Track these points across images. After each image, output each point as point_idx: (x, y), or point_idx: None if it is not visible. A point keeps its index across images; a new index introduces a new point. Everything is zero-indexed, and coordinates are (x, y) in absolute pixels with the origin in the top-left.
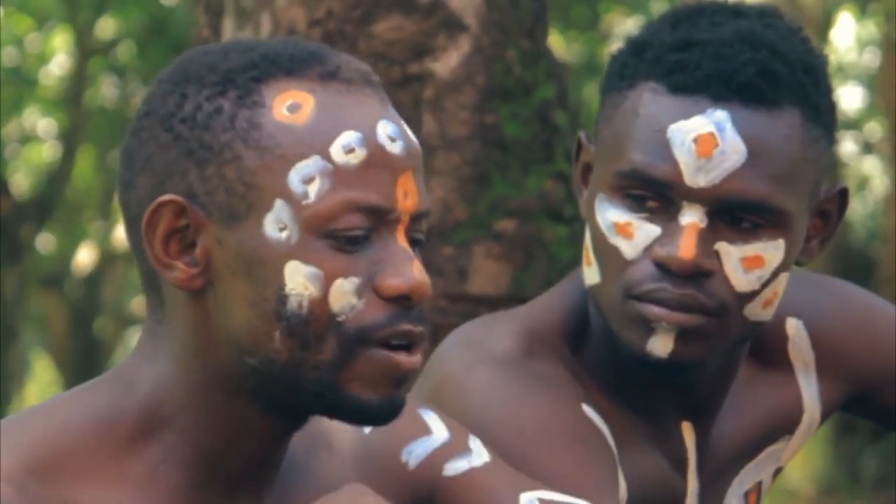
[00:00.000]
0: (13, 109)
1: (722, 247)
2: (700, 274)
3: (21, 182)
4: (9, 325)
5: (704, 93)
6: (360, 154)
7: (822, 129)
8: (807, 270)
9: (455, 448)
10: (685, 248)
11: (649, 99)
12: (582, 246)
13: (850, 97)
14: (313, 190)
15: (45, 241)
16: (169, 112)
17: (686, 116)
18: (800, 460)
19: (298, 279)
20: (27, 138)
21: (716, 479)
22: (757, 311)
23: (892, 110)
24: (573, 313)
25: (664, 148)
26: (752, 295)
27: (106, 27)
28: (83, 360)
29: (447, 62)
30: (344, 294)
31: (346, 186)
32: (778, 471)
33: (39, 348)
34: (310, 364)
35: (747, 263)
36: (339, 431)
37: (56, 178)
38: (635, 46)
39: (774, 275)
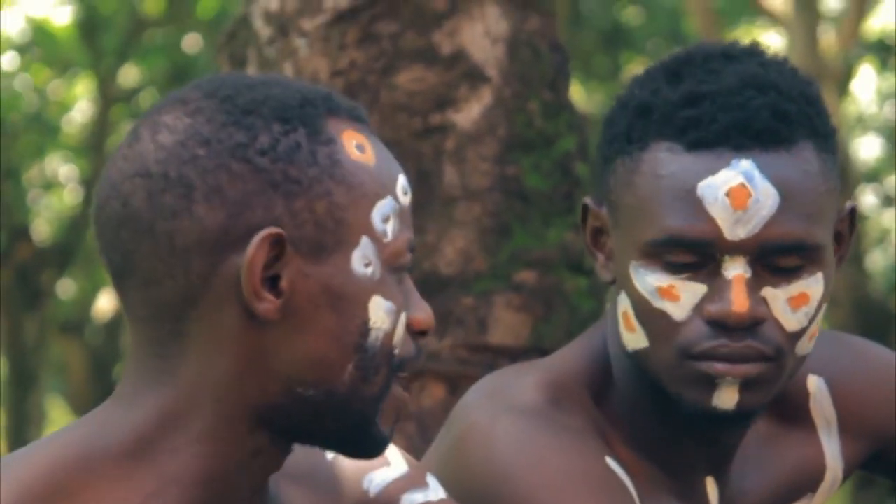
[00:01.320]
0: (35, 156)
1: (768, 292)
2: (755, 323)
3: (42, 228)
4: (29, 372)
5: (724, 145)
6: (409, 195)
7: (831, 155)
8: (827, 325)
9: (413, 481)
10: (738, 303)
11: (668, 159)
12: (602, 297)
13: (869, 149)
14: (390, 229)
15: (65, 288)
16: (238, 143)
17: (713, 172)
18: None
19: (380, 314)
20: (49, 184)
21: None
22: (805, 346)
23: None
24: (596, 365)
25: (697, 207)
26: (802, 332)
27: (128, 75)
28: None
29: (469, 113)
30: (402, 328)
31: (406, 226)
32: None
33: (58, 394)
34: (360, 396)
35: (794, 303)
36: (296, 456)
37: (77, 225)
38: (638, 108)
39: (819, 308)
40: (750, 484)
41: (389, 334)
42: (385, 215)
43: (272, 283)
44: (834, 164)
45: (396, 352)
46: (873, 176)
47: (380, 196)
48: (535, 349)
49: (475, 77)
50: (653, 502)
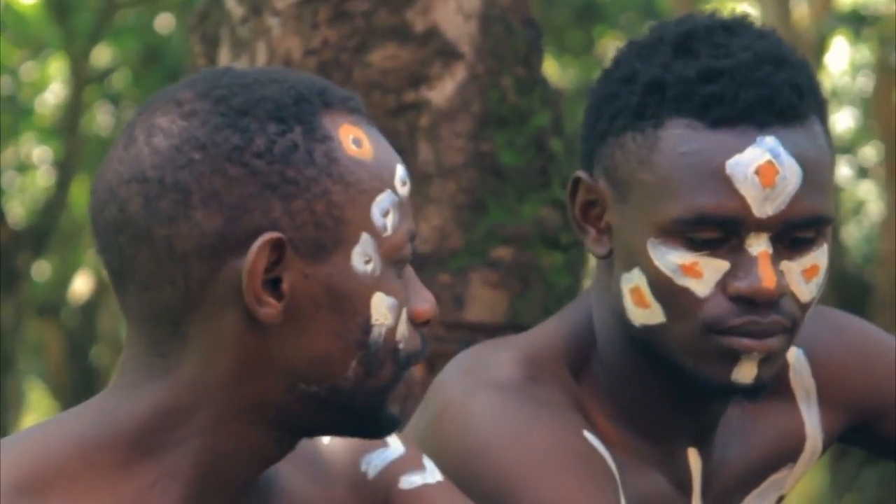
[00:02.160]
0: (9, 138)
1: (785, 265)
2: (780, 298)
3: (17, 211)
4: (5, 354)
5: (748, 122)
6: (408, 185)
7: (827, 127)
8: None
9: (410, 463)
10: (768, 279)
11: (690, 136)
12: (578, 273)
13: (844, 121)
14: (390, 223)
15: (41, 270)
16: (234, 146)
17: (740, 150)
18: (798, 485)
19: (382, 310)
20: (23, 167)
21: None
22: (809, 315)
23: (887, 134)
24: (576, 340)
25: (727, 185)
26: (811, 302)
27: (101, 56)
28: (80, 388)
29: (442, 90)
30: (405, 322)
31: (406, 217)
32: (780, 499)
33: (36, 377)
34: (366, 389)
35: (807, 275)
36: None
37: (52, 207)
38: (650, 84)
39: (825, 276)
40: (732, 455)
41: (392, 329)
42: (384, 210)
43: (273, 285)
44: (829, 134)
45: (401, 346)
46: (848, 148)
47: (378, 191)
48: (512, 326)
49: (448, 54)
50: (634, 474)
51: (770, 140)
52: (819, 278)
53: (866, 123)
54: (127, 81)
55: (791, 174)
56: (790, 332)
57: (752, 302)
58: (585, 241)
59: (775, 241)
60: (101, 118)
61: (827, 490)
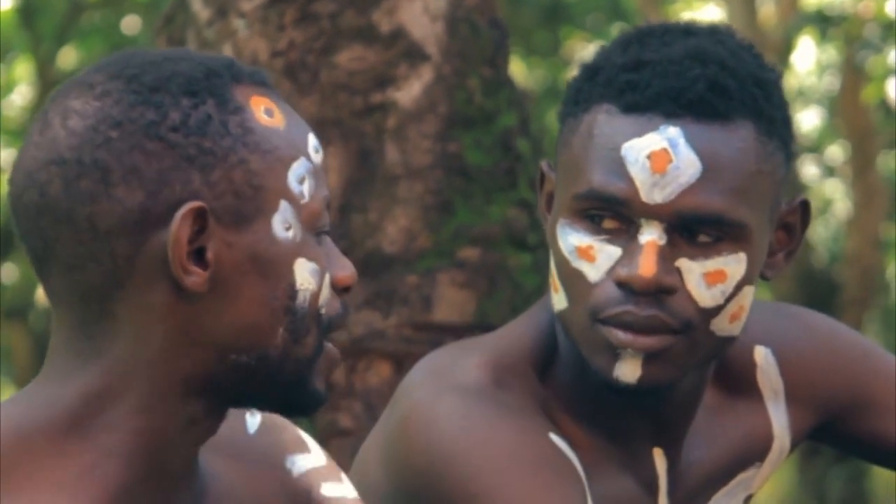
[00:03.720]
0: None
1: (683, 263)
2: (662, 291)
3: None
4: None
5: (656, 110)
6: (321, 153)
7: (777, 141)
8: (772, 296)
9: (330, 474)
10: (645, 266)
11: (603, 120)
12: (547, 273)
13: (810, 120)
14: (306, 189)
15: (8, 273)
16: (150, 121)
17: (639, 134)
18: (767, 483)
19: (305, 275)
20: None
21: None
22: (724, 326)
23: (853, 133)
24: (541, 341)
25: (619, 166)
26: (716, 310)
27: (67, 57)
28: None
29: (409, 91)
30: (326, 287)
31: (321, 184)
32: (748, 498)
33: (5, 379)
34: (294, 357)
35: (710, 278)
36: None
37: None
38: (588, 71)
39: (738, 288)
40: (698, 455)
41: (316, 294)
42: (300, 176)
43: (198, 255)
44: (780, 150)
45: (323, 311)
46: (814, 147)
47: (293, 158)
48: (480, 326)
49: (415, 55)
50: (601, 475)
51: (672, 130)
52: (727, 286)
53: (833, 123)
54: None
55: (687, 166)
56: (681, 333)
57: (632, 291)
58: (546, 231)
59: (672, 233)
60: None
61: (795, 488)
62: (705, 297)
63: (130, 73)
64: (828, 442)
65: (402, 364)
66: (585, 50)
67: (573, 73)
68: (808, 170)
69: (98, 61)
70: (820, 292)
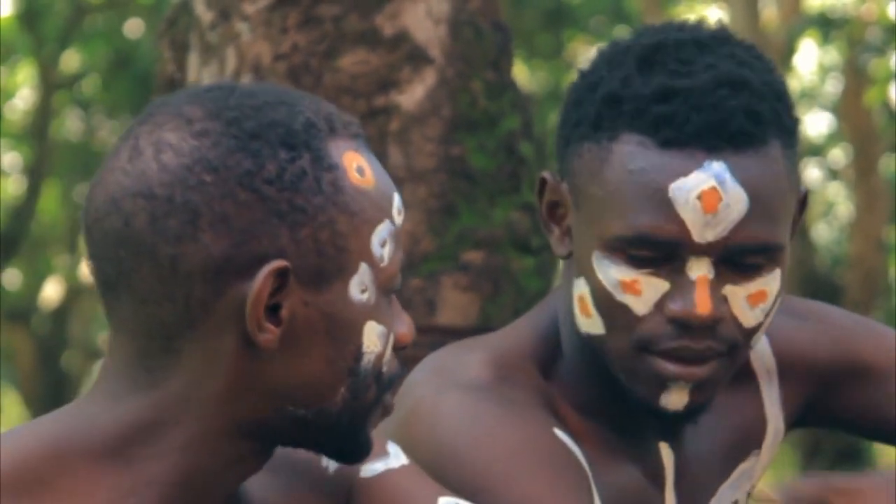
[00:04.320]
0: None
1: (728, 290)
2: (715, 323)
3: None
4: None
5: (697, 146)
6: (403, 214)
7: (794, 149)
8: None
9: (373, 452)
10: (702, 304)
11: (639, 154)
12: (551, 276)
13: (813, 124)
14: (387, 253)
15: (10, 277)
16: (246, 171)
17: (685, 173)
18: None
19: (373, 338)
20: None
21: (692, 500)
22: (759, 339)
23: (856, 136)
24: (544, 339)
25: (668, 208)
26: (758, 328)
27: (70, 61)
28: (51, 394)
29: (412, 95)
30: (390, 348)
31: (399, 246)
32: (750, 489)
33: (7, 384)
34: (351, 412)
35: (752, 300)
36: None
37: (21, 213)
38: (608, 97)
39: (775, 302)
40: (701, 448)
41: (380, 356)
42: (383, 239)
43: (272, 311)
44: (796, 156)
45: (385, 370)
46: (817, 150)
47: (379, 221)
48: (484, 329)
49: (418, 58)
50: (607, 468)
51: (717, 165)
52: (767, 304)
53: (836, 125)
54: (96, 87)
55: (736, 202)
56: (726, 356)
57: (686, 326)
58: (550, 240)
59: (719, 264)
60: (70, 124)
61: None
62: (749, 317)
63: (231, 116)
64: (819, 421)
65: (405, 367)
66: (588, 52)
67: (577, 87)
68: (812, 173)
69: (195, 90)
70: (822, 295)
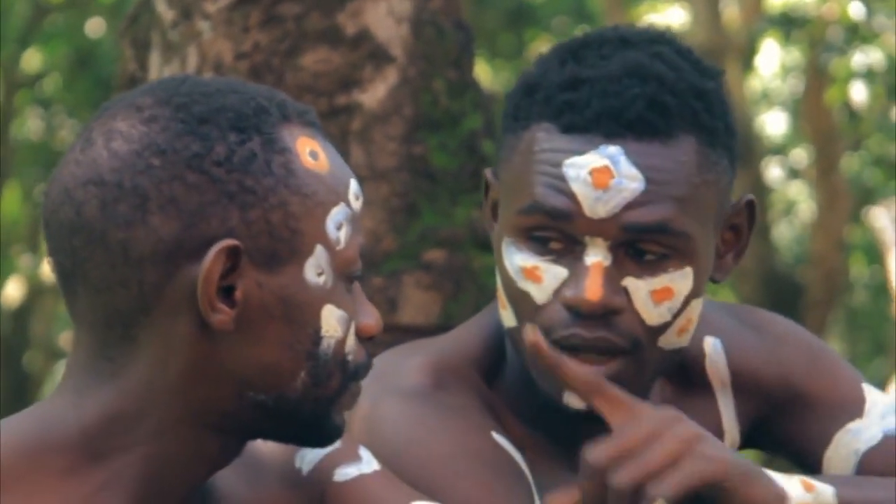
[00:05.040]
0: None
1: (629, 282)
2: (609, 313)
3: None
4: None
5: (596, 131)
6: (360, 200)
7: (720, 150)
8: (736, 299)
9: (345, 455)
10: (591, 290)
11: (543, 138)
12: None
13: (775, 123)
14: (343, 236)
15: None
16: (195, 153)
17: (580, 153)
18: None
19: (332, 322)
20: None
21: None
22: (672, 340)
23: (817, 136)
24: (489, 345)
25: (561, 182)
26: (664, 327)
27: (31, 60)
28: (13, 393)
29: (374, 94)
30: (353, 335)
31: (358, 231)
32: None
33: None
34: (313, 398)
35: (657, 296)
36: None
37: None
38: (526, 87)
39: (685, 303)
40: None
41: (341, 342)
42: (338, 223)
43: (226, 293)
44: (721, 158)
45: (350, 358)
46: (779, 150)
47: (333, 203)
48: (445, 327)
49: (380, 57)
50: (546, 475)
51: (613, 149)
52: (674, 303)
53: (797, 125)
54: (57, 86)
55: (629, 181)
56: (630, 353)
57: (579, 314)
58: (493, 240)
59: (618, 251)
60: (31, 123)
61: None
62: (653, 315)
63: (180, 102)
64: (765, 443)
65: None
66: None
67: (514, 88)
68: (773, 172)
69: (150, 84)
70: (784, 294)
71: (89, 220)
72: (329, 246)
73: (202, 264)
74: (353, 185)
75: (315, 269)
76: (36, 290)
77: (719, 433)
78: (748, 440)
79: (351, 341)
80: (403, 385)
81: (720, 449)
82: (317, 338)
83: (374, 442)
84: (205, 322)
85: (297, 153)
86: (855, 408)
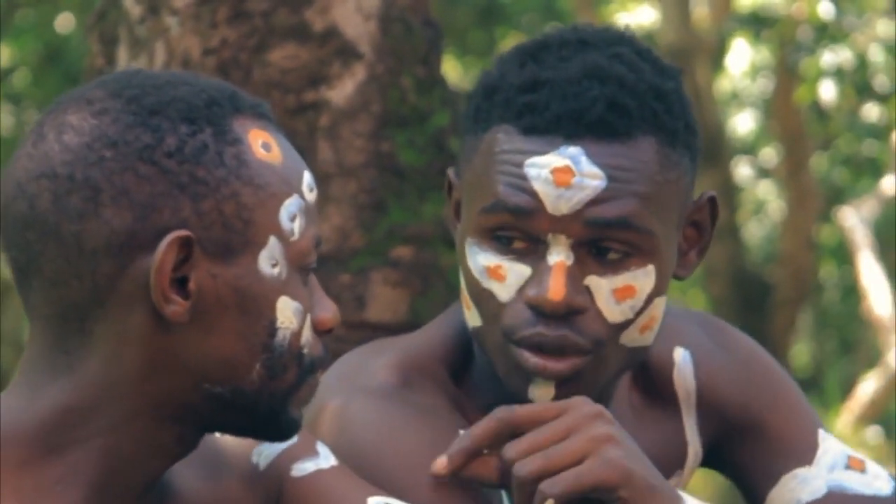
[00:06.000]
0: None
1: (592, 281)
2: (572, 312)
3: None
4: None
5: (556, 133)
6: (315, 192)
7: (681, 149)
8: (706, 298)
9: (302, 450)
10: (554, 289)
11: (504, 140)
12: None
13: (744, 122)
14: (297, 227)
15: None
16: (145, 145)
17: (541, 154)
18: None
19: (287, 314)
20: None
21: None
22: (634, 338)
23: (787, 135)
24: (456, 343)
25: (523, 181)
26: (626, 324)
27: (1, 55)
28: None
29: (342, 90)
30: (308, 327)
31: (312, 223)
32: None
33: None
34: (270, 391)
35: (619, 294)
36: None
37: None
38: (487, 88)
39: (648, 301)
40: None
41: (297, 334)
42: (292, 214)
43: (180, 284)
44: (682, 157)
45: (305, 351)
46: (748, 149)
47: (287, 195)
48: (413, 325)
49: (348, 53)
50: None
51: (573, 150)
52: (636, 301)
53: (767, 124)
54: (27, 81)
55: (591, 178)
56: (591, 352)
57: (542, 313)
58: (456, 239)
59: (580, 250)
60: (1, 118)
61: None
62: (615, 312)
63: (131, 94)
64: (716, 464)
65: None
66: None
67: (474, 89)
68: (742, 171)
69: (102, 77)
70: (753, 293)
71: (42, 214)
72: (283, 237)
73: (155, 255)
74: (307, 176)
75: (269, 261)
76: (5, 287)
77: (682, 445)
78: (704, 459)
79: (307, 334)
80: (371, 384)
81: (629, 455)
82: (272, 329)
83: (342, 441)
84: (159, 314)
85: (249, 144)
86: (806, 453)
